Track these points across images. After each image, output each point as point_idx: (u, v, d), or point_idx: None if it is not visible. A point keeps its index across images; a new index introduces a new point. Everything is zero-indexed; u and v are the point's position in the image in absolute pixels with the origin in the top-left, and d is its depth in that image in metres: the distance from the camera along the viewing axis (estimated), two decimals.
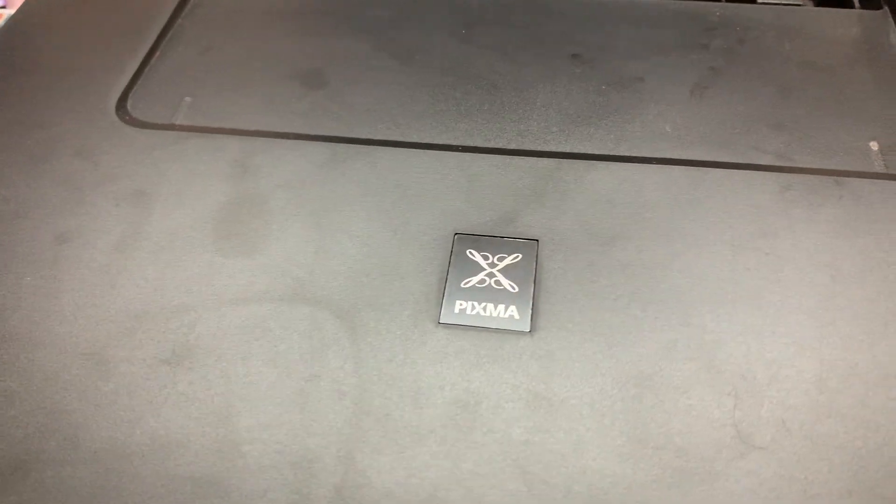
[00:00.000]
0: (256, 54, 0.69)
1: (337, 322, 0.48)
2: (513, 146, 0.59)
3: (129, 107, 0.63)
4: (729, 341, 0.46)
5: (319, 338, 0.47)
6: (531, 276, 0.50)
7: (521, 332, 0.47)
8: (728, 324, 0.47)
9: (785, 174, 0.55)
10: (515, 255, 0.51)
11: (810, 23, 0.69)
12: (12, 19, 0.73)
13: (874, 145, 0.58)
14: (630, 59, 0.66)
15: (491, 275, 0.50)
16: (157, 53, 0.69)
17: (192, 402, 0.45)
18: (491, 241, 0.52)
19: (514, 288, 0.49)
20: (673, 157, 0.57)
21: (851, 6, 0.74)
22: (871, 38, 0.67)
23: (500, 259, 0.51)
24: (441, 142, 0.59)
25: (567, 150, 0.58)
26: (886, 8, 0.70)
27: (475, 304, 0.49)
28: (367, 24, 0.71)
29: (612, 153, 0.58)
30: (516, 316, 0.48)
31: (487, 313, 0.48)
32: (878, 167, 0.56)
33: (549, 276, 0.50)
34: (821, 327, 0.46)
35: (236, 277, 0.51)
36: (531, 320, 0.48)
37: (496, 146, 0.59)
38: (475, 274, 0.50)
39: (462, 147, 0.59)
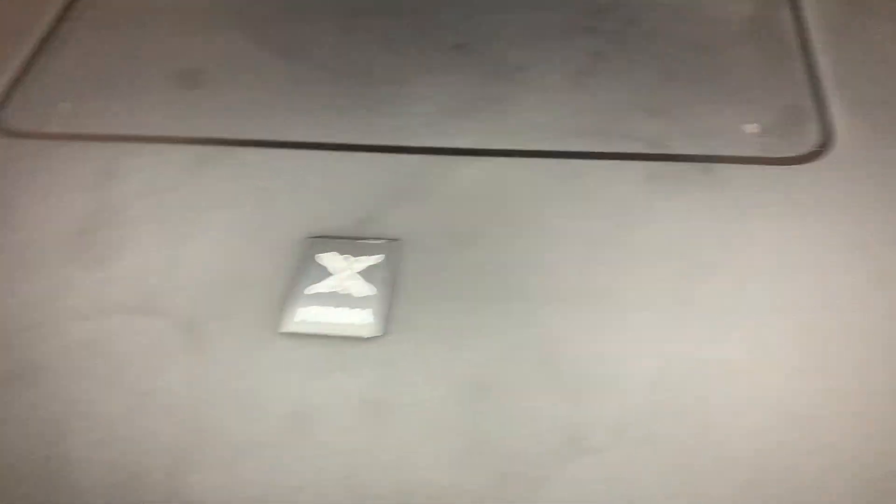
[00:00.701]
0: (137, 55, 0.67)
1: (180, 335, 0.47)
2: (385, 142, 0.58)
3: (3, 116, 0.62)
4: (572, 342, 0.45)
5: (160, 352, 0.46)
6: (386, 279, 0.49)
7: (368, 339, 0.46)
8: (574, 323, 0.46)
9: (653, 162, 0.54)
10: (372, 256, 0.50)
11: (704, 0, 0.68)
12: None
13: (751, 128, 0.56)
14: (514, 47, 0.64)
15: (343, 279, 0.49)
16: (38, 59, 0.67)
17: (26, 424, 0.44)
18: (347, 244, 0.51)
19: (366, 291, 0.48)
20: (544, 149, 0.56)
21: None
22: (764, 16, 0.65)
23: (357, 261, 0.50)
24: (312, 140, 0.58)
25: (438, 145, 0.57)
26: None
27: (321, 310, 0.48)
28: (250, 20, 0.69)
29: (482, 147, 0.56)
30: (366, 321, 0.47)
31: (334, 319, 0.47)
32: (754, 151, 0.55)
33: (407, 278, 0.49)
34: (666, 323, 0.45)
35: (86, 291, 0.50)
36: (381, 325, 0.47)
37: (368, 143, 0.58)
38: (325, 279, 0.49)
39: (332, 145, 0.58)
